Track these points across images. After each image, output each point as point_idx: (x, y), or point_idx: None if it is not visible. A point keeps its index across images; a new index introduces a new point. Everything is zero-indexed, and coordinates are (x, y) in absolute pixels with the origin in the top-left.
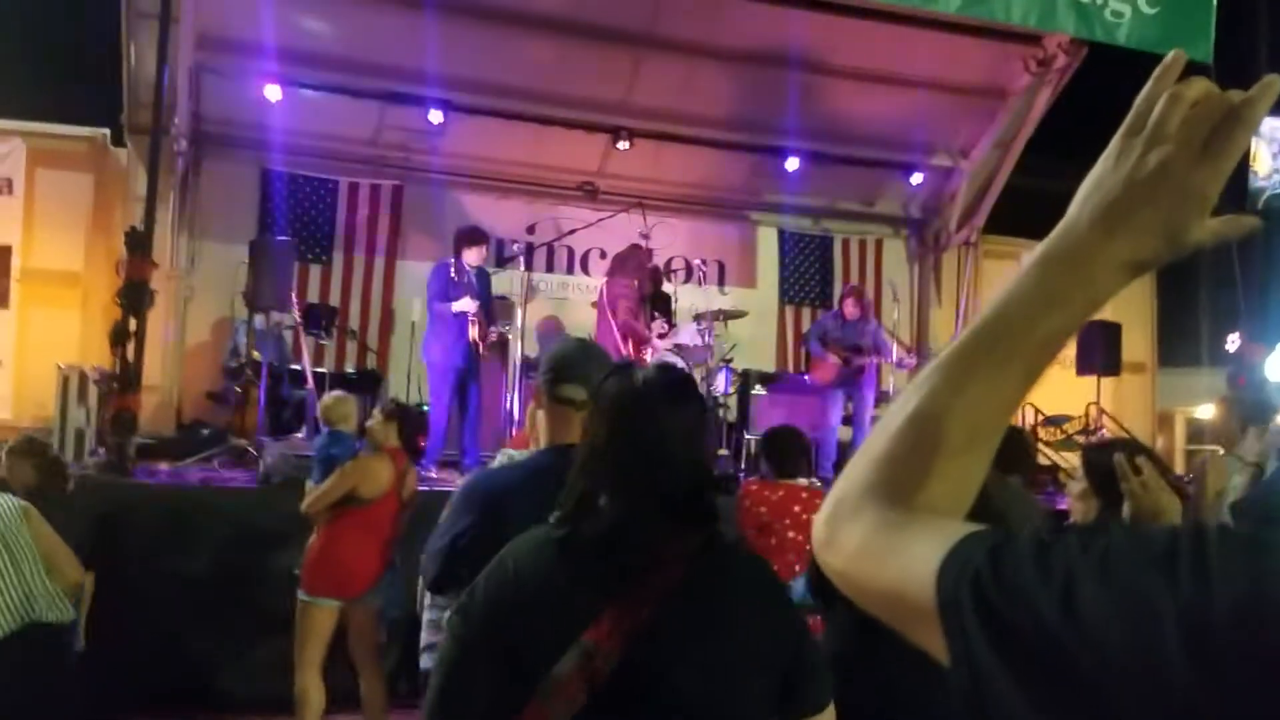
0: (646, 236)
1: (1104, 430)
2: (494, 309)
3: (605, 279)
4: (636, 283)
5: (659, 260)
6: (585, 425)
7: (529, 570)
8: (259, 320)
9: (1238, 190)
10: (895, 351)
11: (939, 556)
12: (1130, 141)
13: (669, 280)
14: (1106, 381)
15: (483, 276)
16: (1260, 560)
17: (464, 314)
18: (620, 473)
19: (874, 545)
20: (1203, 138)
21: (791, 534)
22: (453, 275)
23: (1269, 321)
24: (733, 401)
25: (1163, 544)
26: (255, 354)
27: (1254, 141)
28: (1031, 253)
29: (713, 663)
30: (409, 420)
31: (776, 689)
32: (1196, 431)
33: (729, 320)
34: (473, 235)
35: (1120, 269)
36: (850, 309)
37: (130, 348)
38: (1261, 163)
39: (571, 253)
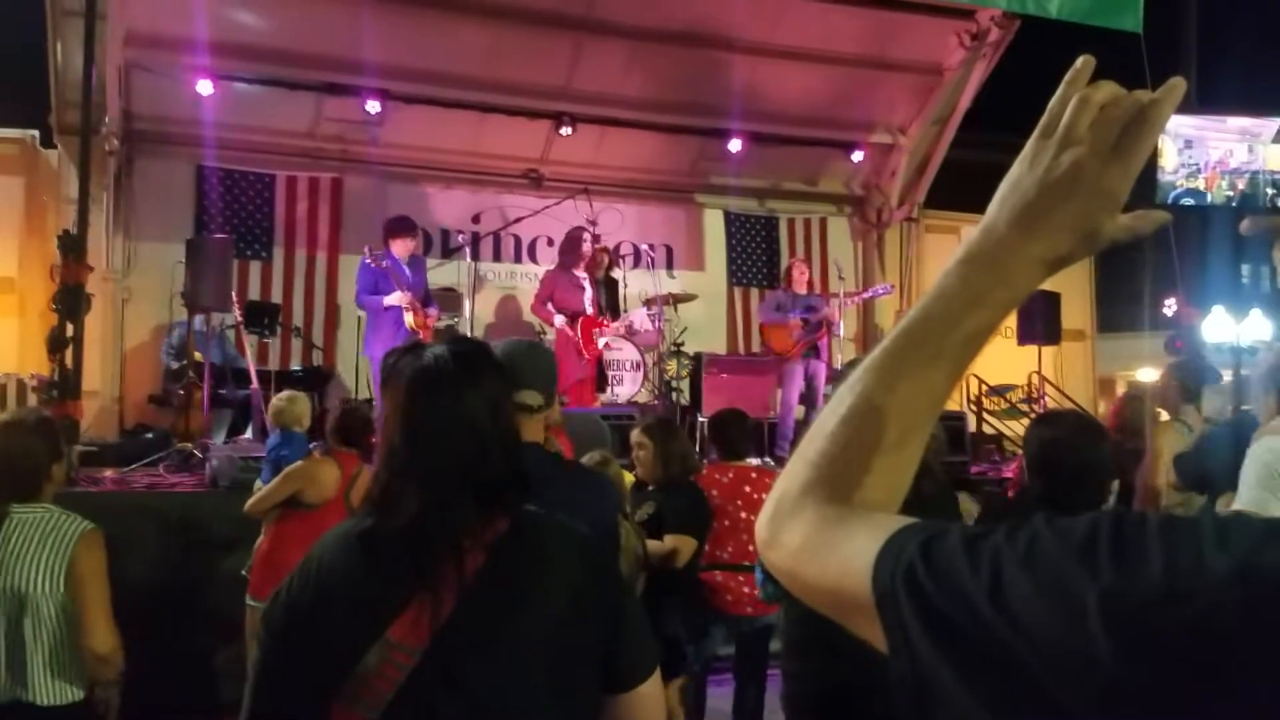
0: (593, 222)
1: (1046, 398)
2: (430, 294)
3: None
4: (573, 269)
5: (607, 244)
6: (389, 413)
7: (332, 567)
8: (199, 320)
9: (1148, 186)
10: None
11: (874, 550)
12: (1044, 143)
13: (618, 266)
14: (1047, 350)
15: (417, 264)
16: (1172, 545)
17: (395, 306)
18: (419, 460)
19: (814, 542)
20: (1112, 139)
21: (744, 515)
22: (380, 265)
23: (1205, 286)
24: (685, 385)
25: (1083, 532)
26: (198, 355)
27: (1161, 139)
28: (967, 233)
29: (519, 649)
30: (351, 421)
31: (595, 664)
32: (1139, 393)
33: (679, 304)
34: (397, 227)
35: (1038, 266)
36: (799, 279)
37: (69, 353)
38: (1168, 159)
39: (519, 241)
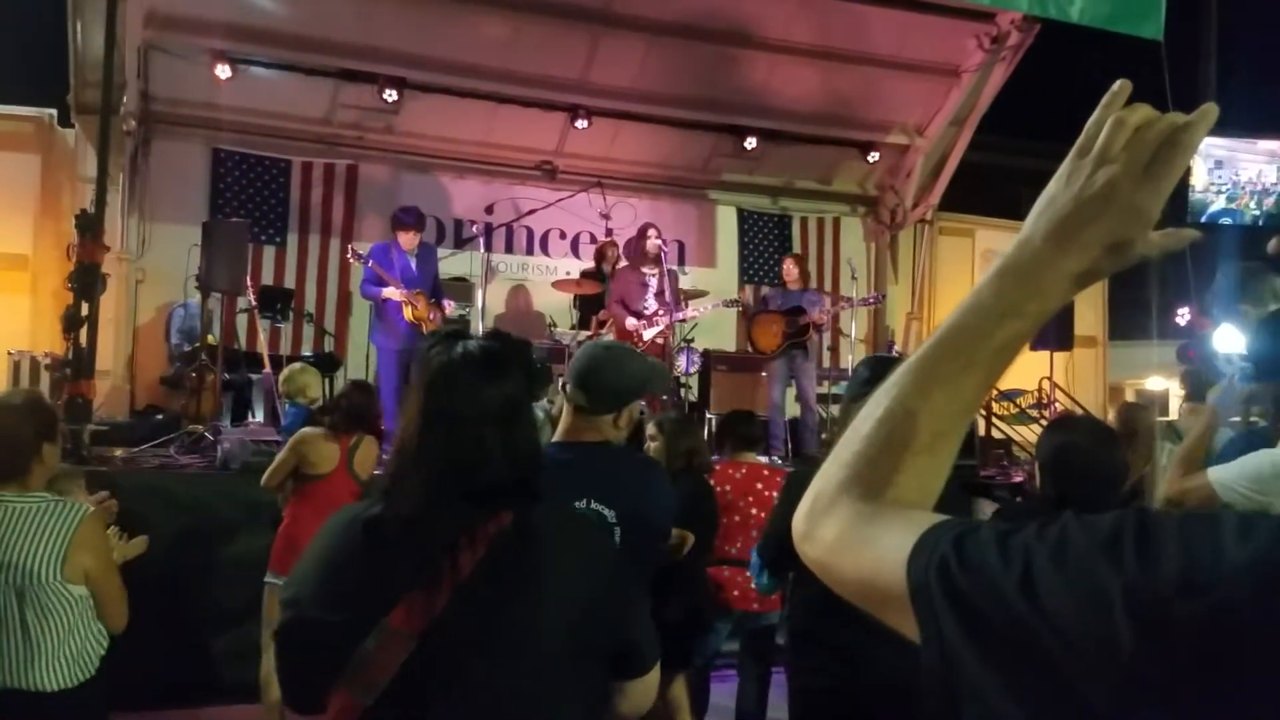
0: (606, 216)
1: (1056, 404)
2: (439, 285)
3: None
4: (640, 265)
5: (618, 238)
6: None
7: (336, 551)
8: (194, 303)
9: (1179, 204)
10: (830, 303)
11: (909, 545)
12: (1080, 162)
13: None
14: (1059, 355)
15: (426, 255)
16: (1194, 539)
17: (391, 300)
18: (430, 452)
19: (849, 537)
20: (1146, 159)
21: (755, 511)
22: (365, 264)
23: (1218, 295)
24: (694, 381)
25: (1109, 528)
26: (210, 338)
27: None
28: (981, 236)
29: (516, 642)
30: (352, 405)
31: (597, 657)
32: (1145, 402)
33: (690, 300)
34: (399, 219)
35: (1070, 280)
36: (790, 273)
37: (83, 333)
38: (1199, 178)
39: (531, 233)
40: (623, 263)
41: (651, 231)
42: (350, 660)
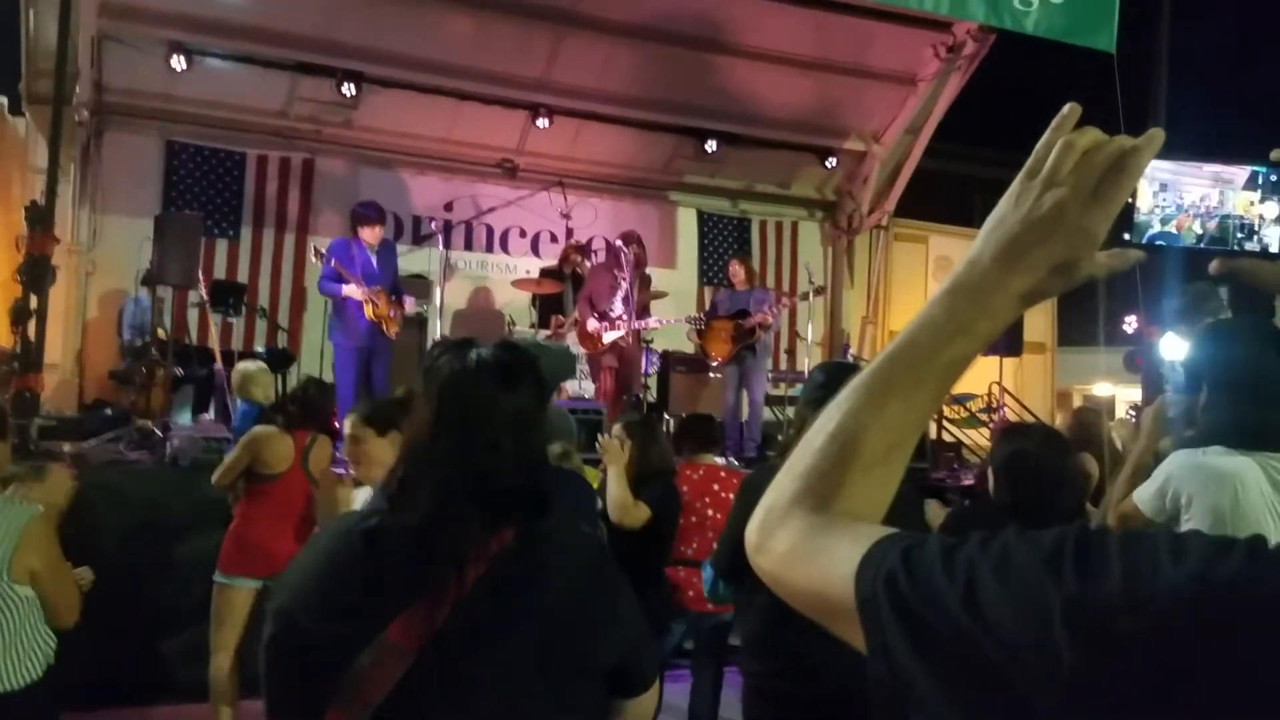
0: (567, 216)
1: (1005, 409)
2: (400, 283)
3: None
4: (614, 268)
5: (579, 239)
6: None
7: (333, 560)
8: (164, 294)
9: (1125, 226)
10: (780, 302)
11: (857, 558)
12: (1029, 184)
13: (590, 260)
14: (1008, 361)
15: (387, 251)
16: (1131, 557)
17: (352, 298)
18: (440, 461)
19: (800, 549)
20: (1094, 182)
21: (711, 512)
22: (329, 263)
23: (1165, 304)
24: (653, 383)
25: (1050, 544)
26: (161, 332)
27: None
28: (935, 242)
29: (514, 660)
30: (309, 399)
31: (597, 675)
32: (1097, 407)
33: (652, 302)
34: (361, 214)
35: (1018, 299)
36: (736, 274)
37: (31, 325)
38: (1144, 199)
39: (490, 231)
40: (594, 261)
41: (628, 248)
42: (344, 675)
